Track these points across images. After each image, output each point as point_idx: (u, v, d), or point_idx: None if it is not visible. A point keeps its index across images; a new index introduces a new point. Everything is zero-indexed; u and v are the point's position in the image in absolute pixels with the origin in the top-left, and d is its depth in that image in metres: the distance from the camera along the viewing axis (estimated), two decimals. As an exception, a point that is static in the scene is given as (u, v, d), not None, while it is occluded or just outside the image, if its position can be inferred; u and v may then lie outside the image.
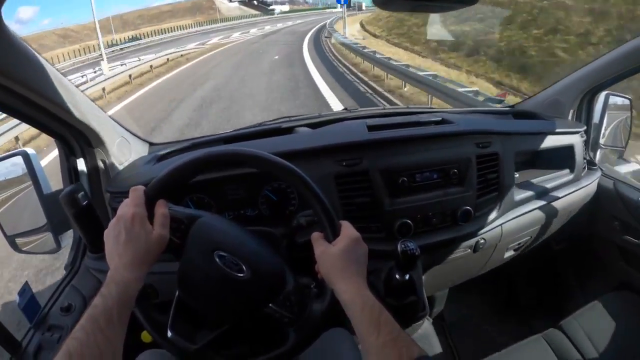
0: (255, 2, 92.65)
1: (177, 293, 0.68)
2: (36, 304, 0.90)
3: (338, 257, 0.64)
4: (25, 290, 0.88)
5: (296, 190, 0.71)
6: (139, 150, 1.15)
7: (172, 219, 0.65)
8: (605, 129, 1.46)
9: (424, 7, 0.73)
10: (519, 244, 1.30)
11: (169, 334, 0.65)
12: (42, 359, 0.83)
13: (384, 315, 0.58)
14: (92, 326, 0.51)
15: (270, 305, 0.67)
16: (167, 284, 0.71)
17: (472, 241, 1.11)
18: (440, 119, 1.15)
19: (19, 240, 1.01)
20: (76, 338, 0.50)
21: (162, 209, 0.64)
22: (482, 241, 1.12)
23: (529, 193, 1.20)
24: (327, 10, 70.24)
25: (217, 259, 0.65)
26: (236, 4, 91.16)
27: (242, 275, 0.65)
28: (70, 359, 0.48)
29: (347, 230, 0.67)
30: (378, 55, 9.27)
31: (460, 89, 5.71)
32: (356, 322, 0.59)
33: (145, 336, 0.88)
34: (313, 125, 1.19)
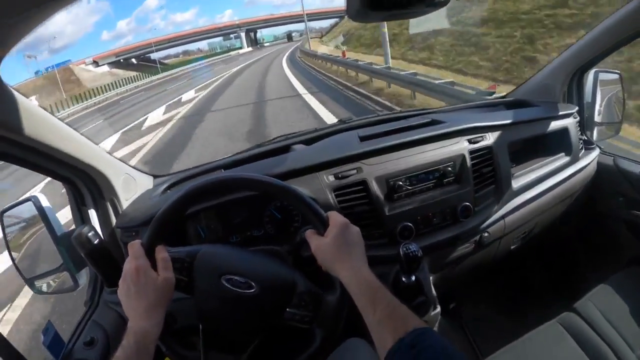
0: (134, 61, 68.40)
1: (200, 326, 0.71)
2: (60, 341, 0.93)
3: (331, 245, 0.67)
4: (48, 328, 0.92)
5: (289, 202, 0.74)
6: (144, 184, 1.19)
7: (173, 260, 0.69)
8: (600, 106, 1.46)
9: (396, 16, 0.75)
10: (524, 232, 1.30)
11: None
12: None
13: (380, 292, 0.60)
14: None
15: (287, 309, 0.69)
16: (183, 309, 0.74)
17: (477, 236, 1.12)
18: (430, 120, 1.17)
19: (37, 283, 1.05)
20: None
21: (161, 254, 0.68)
22: (486, 235, 1.13)
23: (528, 181, 1.21)
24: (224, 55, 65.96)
25: (226, 283, 0.69)
26: (105, 68, 61.34)
27: (252, 290, 0.69)
28: None
29: (335, 218, 0.70)
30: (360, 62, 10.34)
31: (436, 82, 5.98)
32: (357, 302, 0.61)
33: None
34: (310, 141, 1.22)
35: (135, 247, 0.68)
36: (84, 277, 1.02)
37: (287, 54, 34.64)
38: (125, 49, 76.46)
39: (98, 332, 0.94)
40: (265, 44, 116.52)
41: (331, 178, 0.99)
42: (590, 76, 1.41)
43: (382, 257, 0.94)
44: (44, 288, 1.05)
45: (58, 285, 1.04)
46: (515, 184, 1.18)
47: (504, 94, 1.68)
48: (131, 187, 1.10)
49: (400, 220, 1.00)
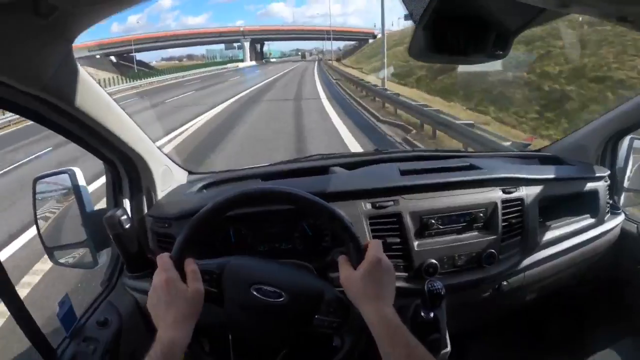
0: (113, 59, 50.78)
1: (230, 337, 0.74)
2: (73, 316, 0.95)
3: (360, 280, 0.67)
4: (65, 301, 0.93)
5: (327, 223, 0.76)
6: (179, 179, 1.22)
7: (203, 272, 0.70)
8: (631, 172, 1.47)
9: (456, 61, 0.78)
10: (542, 286, 1.31)
11: None
12: None
13: (400, 331, 0.61)
14: None
15: (316, 316, 0.71)
16: (213, 319, 0.75)
17: (496, 283, 1.14)
18: (468, 164, 1.20)
19: (57, 253, 1.07)
20: None
21: (191, 266, 0.69)
22: (505, 283, 1.15)
23: (552, 237, 1.22)
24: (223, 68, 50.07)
25: (255, 293, 0.71)
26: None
27: (281, 299, 0.70)
28: None
29: (371, 252, 0.69)
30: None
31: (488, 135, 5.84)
32: (376, 339, 0.62)
33: None
34: (347, 166, 1.26)
35: (164, 259, 0.69)
36: (104, 256, 1.04)
37: (317, 81, 22.81)
38: (101, 43, 55.85)
39: (112, 314, 0.95)
40: (272, 59, 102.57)
41: (369, 206, 1.02)
42: (625, 142, 1.41)
43: (404, 289, 0.97)
44: (63, 260, 1.07)
45: (77, 260, 1.06)
46: (540, 238, 1.19)
47: (539, 147, 1.69)
48: (167, 179, 1.13)
49: (428, 256, 1.03)
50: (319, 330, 0.71)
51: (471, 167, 1.19)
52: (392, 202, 1.03)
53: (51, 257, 1.06)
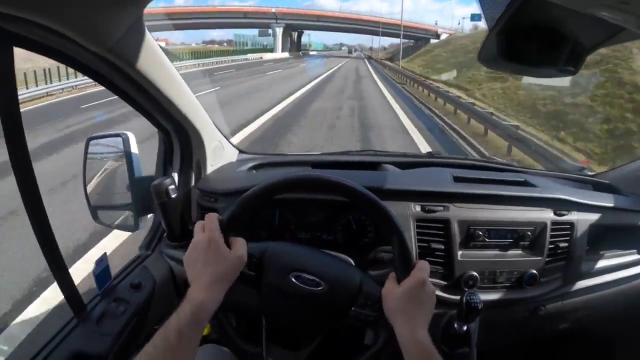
0: None
1: (264, 321, 0.73)
2: (108, 275, 0.97)
3: (399, 298, 0.66)
4: (102, 260, 0.95)
5: (383, 229, 0.74)
6: (229, 156, 1.24)
7: None
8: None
9: (525, 71, 0.76)
10: (577, 318, 1.26)
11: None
12: (104, 325, 0.89)
13: (433, 358, 0.60)
14: (162, 343, 0.55)
15: (352, 308, 0.70)
16: (248, 303, 0.76)
17: (532, 306, 1.11)
18: (523, 180, 1.17)
19: (100, 213, 1.10)
20: (147, 353, 0.54)
21: (239, 238, 0.68)
22: (542, 308, 1.12)
23: (597, 268, 1.17)
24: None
25: (294, 280, 0.71)
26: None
27: (320, 288, 0.70)
28: None
29: (417, 272, 0.68)
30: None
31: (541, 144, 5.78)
32: None
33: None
34: (399, 165, 1.24)
35: (212, 219, 0.67)
36: (145, 222, 1.06)
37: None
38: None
39: (147, 278, 0.97)
40: (312, 52, 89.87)
41: (418, 208, 1.01)
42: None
43: (440, 298, 0.95)
44: (105, 220, 1.10)
45: (119, 222, 1.08)
46: (585, 267, 1.15)
47: (593, 173, 1.62)
48: (218, 154, 1.15)
49: (469, 268, 1.01)
50: (355, 323, 0.71)
51: (525, 184, 1.16)
52: (442, 208, 1.01)
53: (94, 215, 1.09)
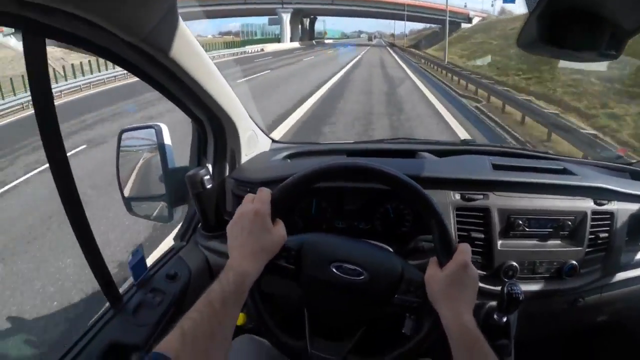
0: None
1: (306, 314, 0.73)
2: (144, 266, 0.98)
3: (443, 282, 0.65)
4: (137, 251, 0.96)
5: (424, 216, 0.72)
6: (262, 146, 1.23)
7: (282, 248, 0.69)
8: None
9: (565, 56, 0.73)
10: (615, 310, 1.21)
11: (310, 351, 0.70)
12: (140, 316, 0.89)
13: (478, 345, 0.59)
14: (207, 309, 0.55)
15: (395, 296, 0.70)
16: (290, 296, 0.77)
17: (571, 298, 1.08)
18: (562, 167, 1.13)
19: (134, 204, 1.11)
20: (191, 318, 0.54)
21: (281, 223, 0.69)
22: (580, 300, 1.09)
23: (635, 259, 1.12)
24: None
25: (335, 270, 0.70)
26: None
27: (362, 278, 0.70)
28: (183, 337, 0.51)
29: (459, 255, 0.67)
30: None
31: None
32: (452, 346, 0.61)
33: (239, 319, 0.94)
34: (436, 153, 1.23)
35: (264, 192, 0.69)
36: (179, 213, 1.06)
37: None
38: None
39: (182, 268, 0.97)
40: (327, 40, 79.88)
41: (457, 197, 0.99)
42: None
43: (479, 289, 0.91)
44: (139, 212, 1.11)
45: (153, 213, 1.09)
46: (624, 259, 1.11)
47: (633, 160, 1.53)
48: (252, 144, 1.14)
49: (509, 258, 0.99)
50: (398, 310, 0.70)
51: (565, 171, 1.12)
52: (481, 196, 0.99)
53: (128, 207, 1.10)
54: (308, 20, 65.99)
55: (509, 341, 0.88)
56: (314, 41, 64.11)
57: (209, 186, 0.94)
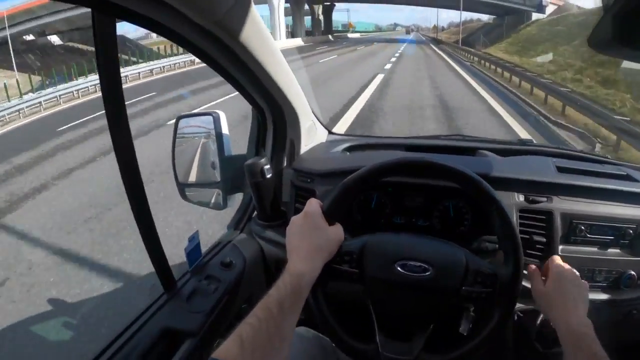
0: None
1: (374, 316, 0.72)
2: (199, 252, 0.98)
3: (549, 295, 0.71)
4: (194, 237, 0.97)
5: (490, 216, 0.73)
6: (319, 137, 1.23)
7: (343, 253, 0.71)
8: None
9: (637, 56, 0.68)
10: None
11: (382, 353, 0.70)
12: (194, 302, 0.89)
13: (585, 340, 0.62)
14: (265, 314, 0.55)
15: (463, 288, 0.69)
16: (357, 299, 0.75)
17: (627, 309, 1.03)
18: (625, 173, 1.09)
19: (188, 190, 1.12)
20: (249, 324, 0.54)
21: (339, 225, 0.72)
22: (635, 312, 1.03)
23: None
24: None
25: (400, 269, 0.70)
26: None
27: (428, 274, 0.69)
28: (242, 343, 0.51)
29: (555, 270, 0.74)
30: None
31: None
32: (564, 350, 0.64)
33: None
34: (496, 151, 1.20)
35: (313, 202, 0.71)
36: (233, 200, 1.06)
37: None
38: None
39: (237, 257, 0.97)
40: (352, 35, 59.25)
41: (521, 198, 0.96)
42: None
43: None
44: (193, 198, 1.12)
45: (207, 200, 1.10)
46: None
47: None
48: (311, 134, 1.13)
49: (569, 264, 0.94)
50: (467, 303, 0.70)
51: (628, 177, 1.08)
52: (545, 199, 0.96)
53: (182, 192, 1.11)
54: (321, 7, 46.93)
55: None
56: (330, 36, 45.47)
57: (268, 176, 0.94)
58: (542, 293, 0.72)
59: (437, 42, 39.56)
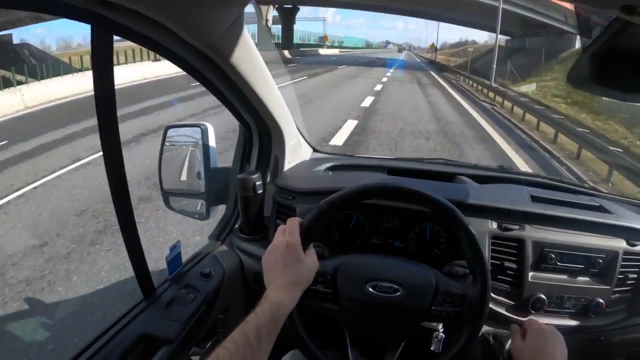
0: None
1: (346, 334, 0.76)
2: (180, 261, 1.00)
3: (527, 353, 0.74)
4: (176, 246, 0.98)
5: (462, 243, 0.76)
6: (304, 154, 1.26)
7: (318, 273, 0.72)
8: None
9: (615, 96, 0.73)
10: (636, 353, 1.18)
11: None
12: (172, 310, 0.90)
13: None
14: (242, 340, 0.57)
15: (432, 307, 0.72)
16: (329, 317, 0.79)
17: (594, 335, 1.08)
18: (598, 204, 1.15)
19: (172, 199, 1.14)
20: (226, 348, 0.55)
21: (312, 250, 0.73)
22: (602, 338, 1.08)
23: None
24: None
25: (371, 289, 0.73)
26: None
27: (398, 294, 0.72)
28: None
29: (531, 334, 0.77)
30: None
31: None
32: None
33: None
34: (474, 178, 1.25)
35: (293, 223, 0.71)
36: (216, 211, 1.08)
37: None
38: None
39: (217, 268, 0.99)
40: (324, 51, 46.18)
41: (494, 225, 1.00)
42: None
43: (504, 317, 0.98)
44: (176, 206, 1.13)
45: (190, 209, 1.11)
46: None
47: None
48: (296, 152, 1.16)
49: (538, 290, 1.00)
50: (437, 321, 0.74)
51: (600, 209, 1.13)
52: (517, 227, 1.01)
53: (165, 200, 1.13)
54: (270, 9, 32.61)
55: None
56: (286, 52, 32.04)
57: (259, 192, 0.97)
58: (521, 348, 0.75)
59: (439, 67, 28.82)
